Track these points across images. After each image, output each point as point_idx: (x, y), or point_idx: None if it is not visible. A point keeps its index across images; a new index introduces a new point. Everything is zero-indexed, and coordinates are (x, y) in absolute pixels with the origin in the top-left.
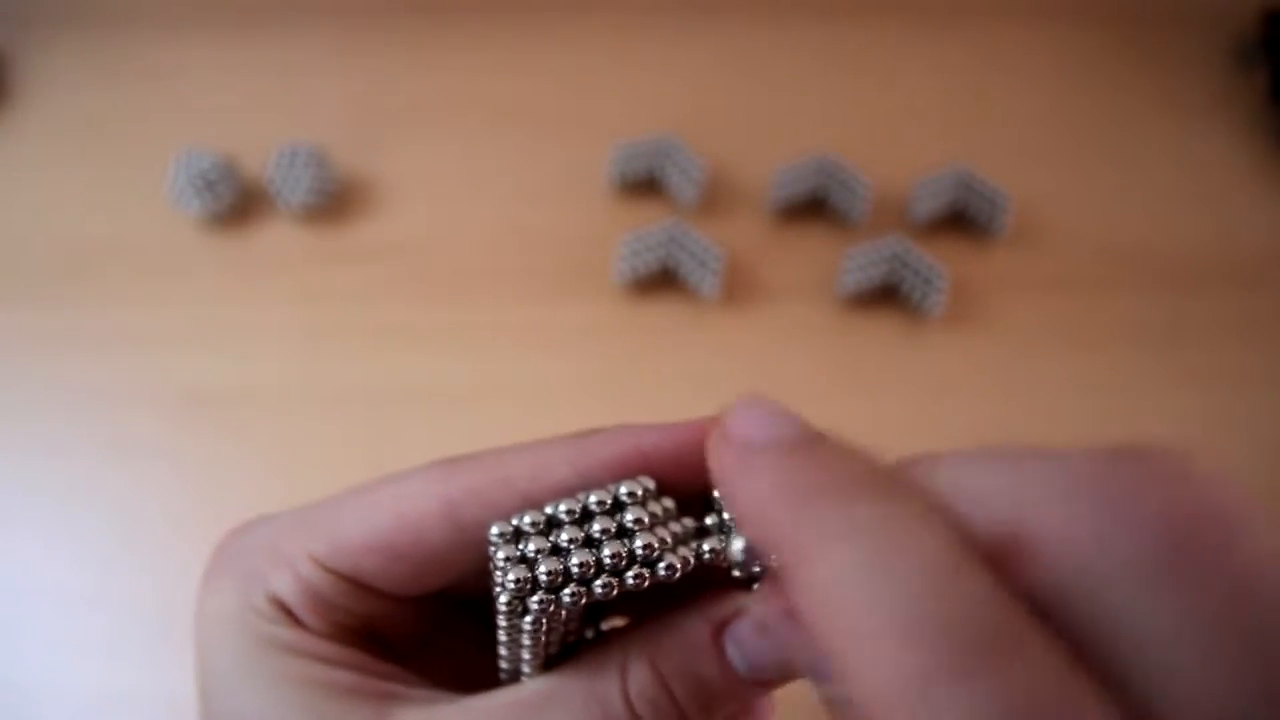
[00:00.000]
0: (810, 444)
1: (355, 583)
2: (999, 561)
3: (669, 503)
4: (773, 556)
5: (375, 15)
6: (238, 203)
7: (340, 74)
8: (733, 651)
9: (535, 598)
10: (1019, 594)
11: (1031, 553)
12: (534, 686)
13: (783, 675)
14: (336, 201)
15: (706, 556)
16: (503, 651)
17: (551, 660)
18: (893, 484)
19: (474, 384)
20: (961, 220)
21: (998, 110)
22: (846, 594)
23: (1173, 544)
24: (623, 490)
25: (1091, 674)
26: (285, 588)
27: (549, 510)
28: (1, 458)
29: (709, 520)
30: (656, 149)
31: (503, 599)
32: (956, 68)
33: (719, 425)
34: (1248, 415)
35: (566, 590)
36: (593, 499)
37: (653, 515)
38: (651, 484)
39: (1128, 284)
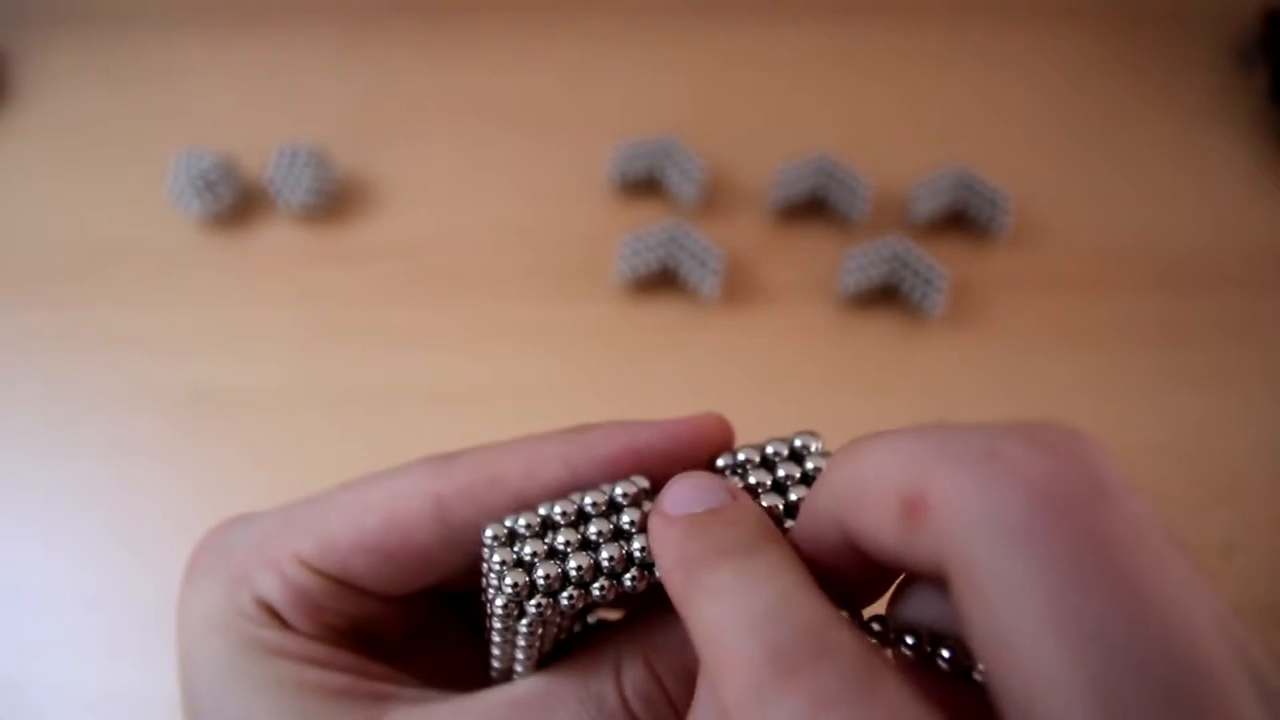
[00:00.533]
0: (704, 518)
1: (343, 584)
2: (908, 516)
3: None
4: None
5: (375, 15)
6: (238, 203)
7: (340, 74)
8: None
9: (533, 601)
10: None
11: (928, 510)
12: (528, 686)
13: None
14: (336, 201)
15: None
16: (495, 651)
17: (545, 658)
18: (753, 547)
19: (474, 384)
20: (961, 220)
21: (998, 110)
22: (715, 635)
23: (1037, 504)
24: (618, 491)
25: (897, 667)
26: (272, 590)
27: (543, 511)
28: (1, 458)
29: None
30: (656, 149)
31: (499, 602)
32: (956, 68)
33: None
34: (1248, 415)
35: (564, 593)
36: (588, 500)
37: (648, 516)
38: (646, 483)
39: (1128, 284)
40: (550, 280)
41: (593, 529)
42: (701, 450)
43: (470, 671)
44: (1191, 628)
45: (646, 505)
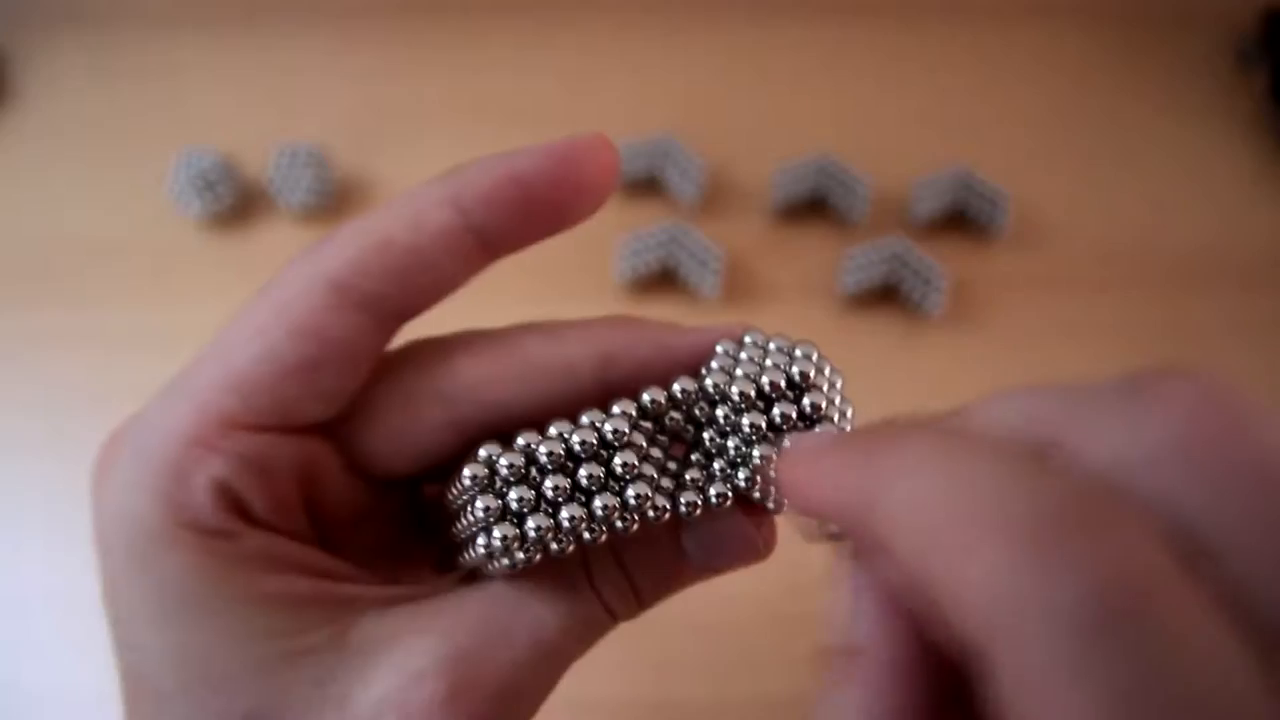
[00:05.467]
0: (852, 433)
1: (291, 430)
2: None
3: (658, 401)
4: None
5: (375, 15)
6: (238, 203)
7: (340, 74)
8: (689, 544)
9: (520, 554)
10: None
11: (1070, 454)
12: (500, 590)
13: (735, 565)
14: (336, 201)
15: (714, 502)
16: (465, 559)
17: None
18: (936, 425)
19: None
20: (961, 220)
21: (998, 110)
22: (917, 517)
23: (1194, 435)
24: (608, 429)
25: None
26: (225, 468)
27: (522, 441)
28: (1, 458)
29: (710, 459)
30: (656, 149)
31: (480, 550)
32: (956, 68)
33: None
34: None
35: (554, 543)
36: (576, 439)
37: (639, 451)
38: (633, 407)
39: (1128, 284)
40: (550, 280)
41: (583, 473)
42: (581, 165)
43: (409, 551)
44: None
45: (636, 436)
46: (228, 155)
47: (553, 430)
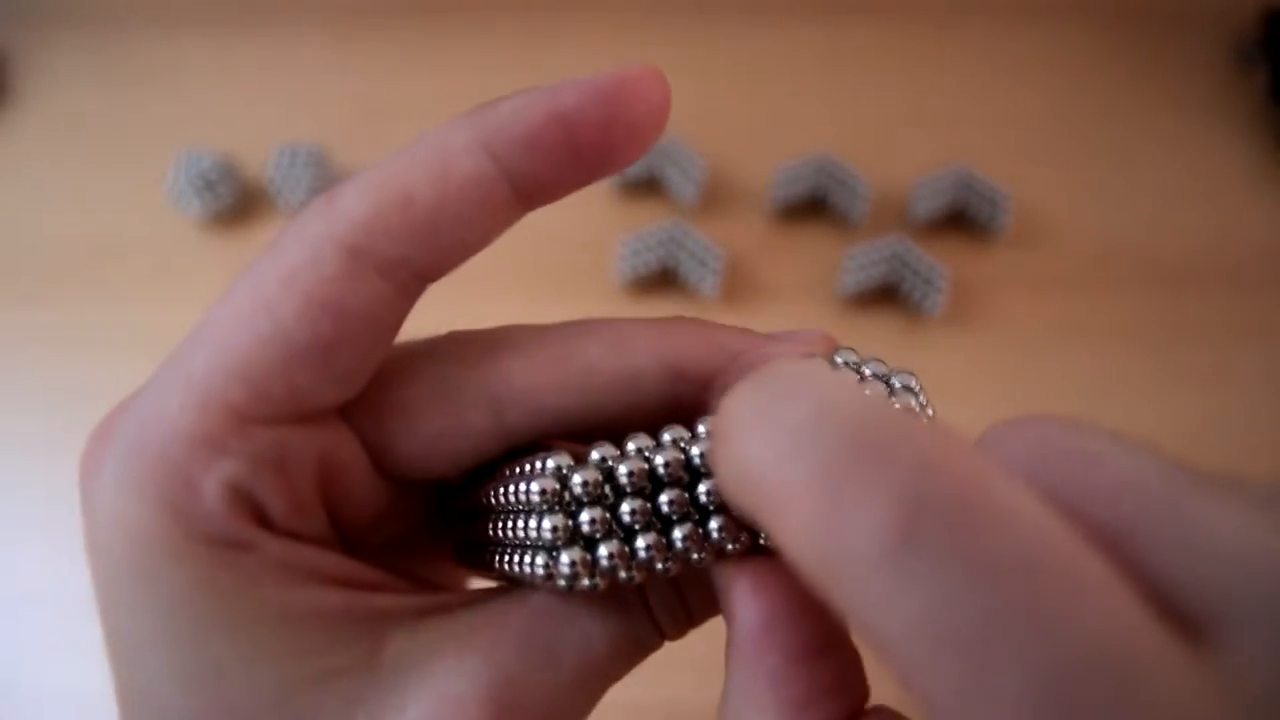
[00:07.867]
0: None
1: (307, 420)
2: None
3: None
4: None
5: (375, 15)
6: (238, 203)
7: (340, 74)
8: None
9: (586, 582)
10: None
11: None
12: (545, 601)
13: None
14: None
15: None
16: (507, 569)
17: None
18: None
19: None
20: (961, 220)
21: (998, 110)
22: (739, 483)
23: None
24: (695, 452)
25: None
26: (237, 469)
27: (598, 456)
28: (2, 458)
29: None
30: (657, 149)
31: (539, 571)
32: (956, 68)
33: None
34: (1248, 415)
35: (623, 573)
36: (660, 460)
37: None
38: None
39: (1128, 284)
40: (550, 280)
41: (665, 499)
42: (633, 103)
43: (424, 544)
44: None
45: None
46: (228, 155)
47: (632, 447)
